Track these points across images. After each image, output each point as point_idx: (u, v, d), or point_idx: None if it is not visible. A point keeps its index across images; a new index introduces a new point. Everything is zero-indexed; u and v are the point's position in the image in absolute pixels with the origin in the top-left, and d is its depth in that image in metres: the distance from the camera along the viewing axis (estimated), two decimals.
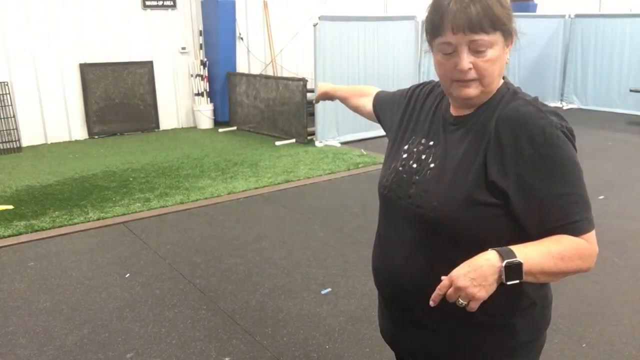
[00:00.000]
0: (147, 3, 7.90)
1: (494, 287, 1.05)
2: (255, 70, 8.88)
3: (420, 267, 1.23)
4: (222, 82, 8.48)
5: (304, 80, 7.29)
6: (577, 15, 9.96)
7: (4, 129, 6.93)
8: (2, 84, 6.90)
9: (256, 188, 5.37)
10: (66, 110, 7.54)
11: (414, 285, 1.24)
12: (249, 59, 8.94)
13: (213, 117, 8.51)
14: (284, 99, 7.57)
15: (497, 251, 1.06)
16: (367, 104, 1.68)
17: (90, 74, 7.59)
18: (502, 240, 1.11)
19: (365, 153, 6.72)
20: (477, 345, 1.23)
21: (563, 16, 9.99)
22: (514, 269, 1.04)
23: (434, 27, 1.16)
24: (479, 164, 1.16)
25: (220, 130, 8.27)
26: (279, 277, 3.53)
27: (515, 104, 1.18)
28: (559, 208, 1.11)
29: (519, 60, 9.53)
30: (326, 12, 8.30)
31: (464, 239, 1.17)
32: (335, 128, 7.38)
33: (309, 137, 7.30)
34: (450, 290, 1.05)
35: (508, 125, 1.15)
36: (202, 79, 8.39)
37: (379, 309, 1.48)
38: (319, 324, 2.98)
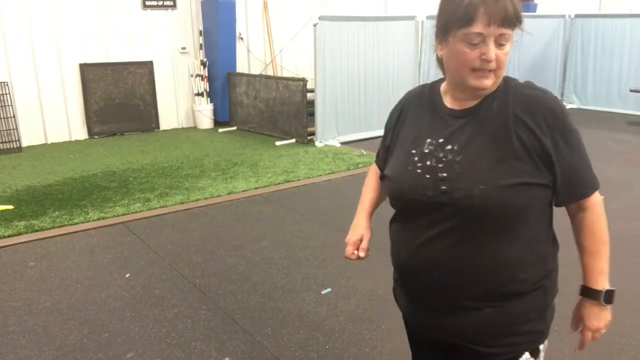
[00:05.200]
0: (147, 3, 7.90)
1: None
2: (255, 70, 8.88)
3: (463, 254, 1.30)
4: (222, 82, 8.48)
5: (304, 80, 7.29)
6: (577, 15, 9.96)
7: (4, 129, 6.93)
8: (2, 84, 6.90)
9: (256, 188, 5.37)
10: (66, 110, 7.54)
11: (460, 273, 1.31)
12: (249, 59, 8.94)
13: (213, 117, 8.52)
14: (284, 99, 7.57)
15: (602, 301, 1.37)
16: (379, 180, 1.62)
17: (90, 74, 7.59)
18: (538, 213, 1.31)
19: (365, 153, 6.72)
20: (518, 312, 1.34)
21: (563, 16, 9.98)
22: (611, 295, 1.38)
23: (467, 17, 1.21)
24: (512, 148, 1.25)
25: (220, 130, 8.27)
26: (279, 277, 3.53)
27: (522, 90, 1.31)
28: (587, 175, 1.32)
29: (519, 60, 9.52)
30: (326, 12, 8.31)
31: (507, 219, 1.27)
32: (335, 128, 7.38)
33: (309, 137, 7.30)
34: (592, 338, 1.44)
35: (526, 109, 1.27)
36: (202, 79, 8.39)
37: (409, 307, 1.51)
38: (319, 324, 2.98)
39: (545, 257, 1.36)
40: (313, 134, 7.28)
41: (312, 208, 4.85)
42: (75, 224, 4.46)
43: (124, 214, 4.66)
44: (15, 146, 6.97)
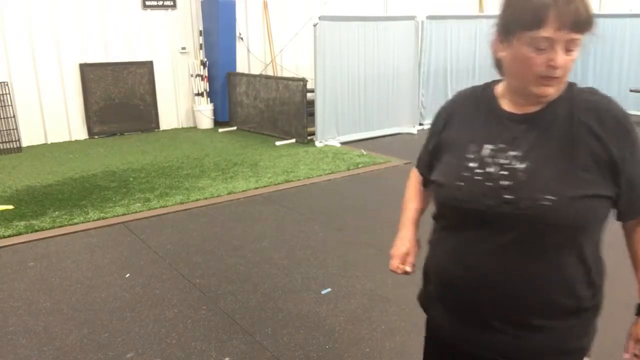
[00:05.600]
0: (147, 3, 7.90)
1: None
2: (255, 70, 8.88)
3: (522, 269, 1.23)
4: (222, 82, 8.48)
5: (304, 80, 7.29)
6: None
7: (4, 129, 6.93)
8: (2, 84, 6.90)
9: (256, 188, 5.37)
10: (66, 110, 7.54)
11: (516, 289, 1.24)
12: (249, 59, 8.94)
13: (213, 117, 8.52)
14: (284, 99, 7.57)
15: None
16: (421, 187, 1.58)
17: (90, 74, 7.59)
18: (598, 226, 1.25)
19: (365, 153, 6.72)
20: (572, 330, 1.28)
21: None
22: None
23: (535, 19, 1.12)
24: (579, 158, 1.19)
25: (220, 130, 8.27)
26: (279, 277, 3.53)
27: (586, 96, 1.24)
28: None
29: None
30: (326, 12, 8.31)
31: (572, 232, 1.20)
32: (335, 128, 7.38)
33: (309, 137, 7.30)
34: None
35: (593, 117, 1.20)
36: (202, 79, 8.39)
37: (445, 319, 1.39)
38: (319, 324, 2.98)
39: (601, 271, 1.30)
40: (313, 134, 7.28)
41: (312, 208, 4.85)
42: (75, 224, 4.46)
43: (124, 214, 4.66)
44: (15, 146, 6.97)
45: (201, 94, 8.44)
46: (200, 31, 8.34)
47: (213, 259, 3.83)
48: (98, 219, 4.54)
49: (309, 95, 7.30)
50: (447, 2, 10.92)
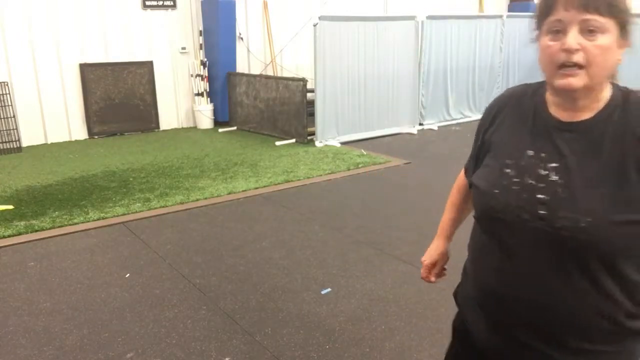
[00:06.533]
0: (147, 3, 7.90)
1: None
2: (255, 70, 8.88)
3: (555, 289, 1.14)
4: (222, 82, 8.48)
5: (304, 80, 7.29)
6: None
7: (4, 129, 6.93)
8: (2, 84, 6.90)
9: (256, 188, 5.37)
10: (66, 110, 7.54)
11: (546, 310, 1.16)
12: (249, 59, 8.94)
13: (213, 117, 8.52)
14: (284, 99, 7.57)
15: None
16: (467, 187, 1.47)
17: (90, 74, 7.59)
18: None
19: (365, 153, 6.72)
20: (611, 356, 1.19)
21: None
22: None
23: (547, 3, 1.11)
24: (629, 177, 1.07)
25: (220, 130, 8.28)
26: (279, 277, 3.53)
27: None
28: None
29: (519, 60, 9.53)
30: (326, 12, 8.31)
31: (613, 257, 1.10)
32: (335, 128, 7.38)
33: (309, 137, 7.30)
34: None
35: None
36: (202, 79, 8.39)
37: (483, 328, 1.32)
38: (319, 324, 2.97)
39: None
40: (313, 134, 7.28)
41: (312, 208, 4.85)
42: (75, 224, 4.46)
43: (124, 214, 4.66)
44: (15, 146, 6.97)
45: (201, 94, 8.44)
46: (200, 31, 8.34)
47: (213, 259, 3.82)
48: (98, 219, 4.54)
49: (309, 95, 7.30)
50: (447, 2, 10.93)
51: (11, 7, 6.92)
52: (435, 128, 8.32)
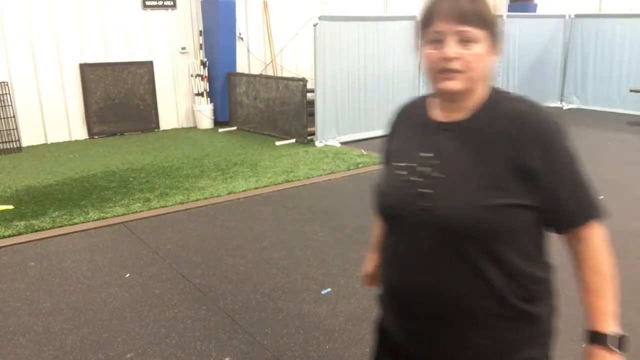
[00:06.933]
0: (147, 3, 7.90)
1: None
2: (255, 70, 8.88)
3: (444, 277, 1.23)
4: (222, 82, 8.48)
5: (304, 80, 7.29)
6: (577, 16, 9.96)
7: (4, 129, 6.93)
8: (2, 84, 6.90)
9: (256, 188, 5.37)
10: (66, 110, 7.54)
11: (441, 297, 1.24)
12: (249, 59, 8.94)
13: (213, 117, 8.52)
14: (284, 99, 7.57)
15: (611, 345, 1.23)
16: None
17: (90, 74, 7.59)
18: (527, 235, 1.23)
19: (365, 153, 6.72)
20: (509, 339, 1.26)
21: (563, 16, 9.98)
22: (623, 341, 1.26)
23: (427, 17, 1.22)
24: (497, 167, 1.19)
25: (220, 130, 8.27)
26: (279, 277, 3.53)
27: (512, 105, 1.25)
28: (581, 201, 1.23)
29: (519, 60, 9.53)
30: (326, 12, 8.30)
31: (490, 241, 1.20)
32: (335, 128, 7.38)
33: (309, 137, 7.30)
34: None
35: (514, 126, 1.21)
36: (202, 79, 8.39)
37: (392, 323, 1.41)
38: (319, 324, 2.98)
39: (536, 280, 1.26)
40: (313, 134, 7.28)
41: (312, 208, 4.85)
42: (75, 224, 4.46)
43: (124, 214, 4.66)
44: (15, 146, 6.97)
45: (201, 94, 8.44)
46: (200, 31, 8.34)
47: (213, 259, 3.83)
48: (98, 219, 4.54)
49: (309, 95, 7.30)
50: None
51: (11, 7, 6.92)
52: None
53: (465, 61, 1.18)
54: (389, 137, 1.45)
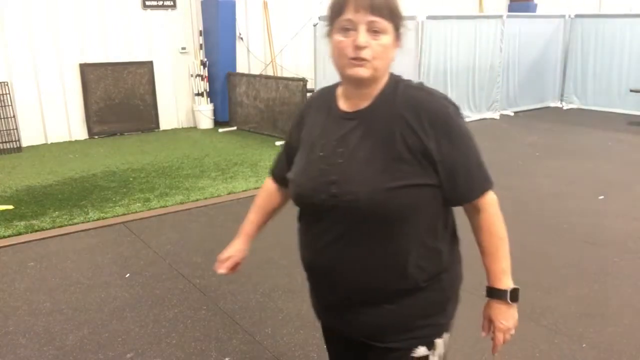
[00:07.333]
0: (147, 3, 7.90)
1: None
2: (255, 70, 8.88)
3: (355, 256, 1.33)
4: (222, 82, 8.48)
5: (304, 80, 7.29)
6: (577, 16, 9.96)
7: (4, 129, 6.93)
8: (2, 84, 6.90)
9: (256, 188, 5.36)
10: (66, 110, 7.54)
11: (353, 274, 1.34)
12: (249, 59, 8.94)
13: (213, 117, 8.52)
14: (284, 99, 7.57)
15: (508, 299, 1.38)
16: (274, 192, 1.75)
17: (90, 74, 7.59)
18: (429, 212, 1.31)
19: None
20: (415, 308, 1.37)
21: (563, 16, 9.98)
22: (515, 293, 1.40)
23: (339, 6, 1.26)
24: (396, 150, 1.27)
25: (220, 130, 8.28)
26: (279, 277, 3.53)
27: (409, 91, 1.33)
28: (476, 176, 1.33)
29: (519, 60, 9.52)
30: (326, 12, 8.30)
31: (394, 220, 1.29)
32: None
33: None
34: (503, 339, 1.42)
35: (411, 111, 1.28)
36: (202, 79, 8.39)
37: (317, 305, 1.60)
38: (318, 324, 2.97)
39: (440, 253, 1.36)
40: None
41: None
42: (75, 224, 4.46)
43: (124, 214, 4.66)
44: (15, 146, 6.97)
45: (201, 94, 8.44)
46: (200, 31, 8.34)
47: (213, 259, 3.78)
48: (98, 219, 4.54)
49: (309, 95, 7.28)
50: (447, 2, 10.92)
51: (11, 7, 6.92)
52: None
53: (374, 50, 1.25)
54: (297, 125, 1.50)
